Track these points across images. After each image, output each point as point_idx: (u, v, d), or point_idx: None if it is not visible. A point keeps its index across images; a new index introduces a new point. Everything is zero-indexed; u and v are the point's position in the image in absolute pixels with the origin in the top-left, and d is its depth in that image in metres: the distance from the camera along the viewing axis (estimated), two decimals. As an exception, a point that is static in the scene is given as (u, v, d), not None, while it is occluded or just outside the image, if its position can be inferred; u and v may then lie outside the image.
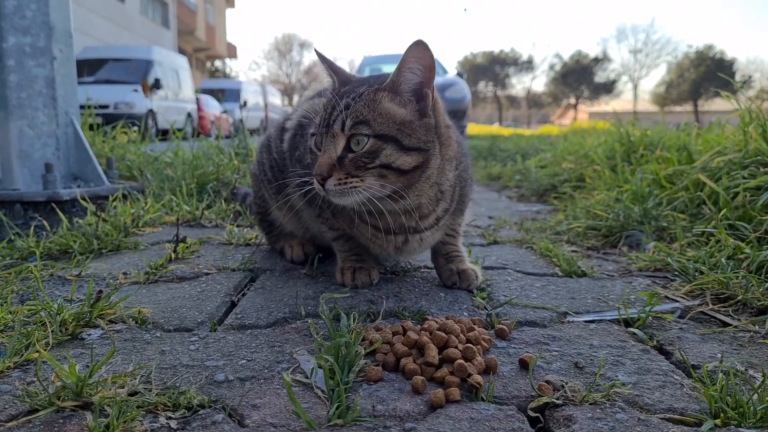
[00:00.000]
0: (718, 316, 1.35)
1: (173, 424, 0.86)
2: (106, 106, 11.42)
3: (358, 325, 1.18)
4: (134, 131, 3.82)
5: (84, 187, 2.62)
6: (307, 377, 1.01)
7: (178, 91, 15.77)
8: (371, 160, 1.26)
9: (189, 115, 15.92)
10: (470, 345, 1.07)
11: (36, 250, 1.73)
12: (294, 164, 1.58)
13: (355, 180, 1.25)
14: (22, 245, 1.84)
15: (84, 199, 2.22)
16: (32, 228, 1.97)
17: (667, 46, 56.10)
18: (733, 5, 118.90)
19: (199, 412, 0.89)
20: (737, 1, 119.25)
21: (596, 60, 51.87)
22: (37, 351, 1.05)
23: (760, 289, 1.41)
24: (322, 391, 0.96)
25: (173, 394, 0.92)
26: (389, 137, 1.27)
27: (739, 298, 1.39)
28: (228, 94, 22.44)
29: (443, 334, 1.09)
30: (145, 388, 0.94)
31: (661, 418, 0.88)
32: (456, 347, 1.07)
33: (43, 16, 2.58)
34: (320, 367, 1.01)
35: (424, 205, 1.39)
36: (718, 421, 0.86)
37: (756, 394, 0.90)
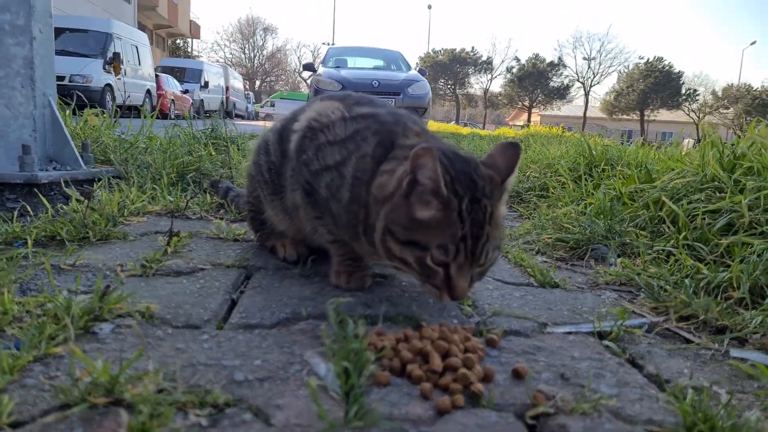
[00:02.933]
0: (681, 333, 1.49)
1: (203, 422, 0.91)
2: (61, 78, 10.91)
3: (362, 330, 1.25)
4: (105, 114, 3.72)
5: (61, 170, 2.57)
6: (320, 379, 1.08)
7: (138, 68, 15.25)
8: (491, 267, 1.38)
9: (148, 92, 15.45)
10: (469, 354, 1.17)
11: (27, 237, 1.71)
12: (300, 166, 1.61)
13: (476, 285, 1.39)
14: (7, 230, 1.81)
15: (66, 183, 2.19)
16: (15, 212, 1.93)
17: (620, 56, 58.38)
18: (684, 22, 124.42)
19: (226, 411, 0.95)
20: (688, 17, 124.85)
21: (552, 65, 53.29)
22: (57, 345, 1.08)
23: (718, 309, 1.57)
24: (337, 394, 1.03)
25: (200, 392, 0.97)
26: (501, 244, 1.38)
27: (700, 317, 1.54)
28: (189, 74, 21.88)
29: (445, 344, 1.18)
30: (171, 386, 0.98)
31: (644, 429, 1.00)
32: (457, 356, 1.16)
33: (23, -8, 2.49)
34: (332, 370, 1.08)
35: None
36: (692, 433, 0.98)
37: (724, 410, 1.03)
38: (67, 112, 3.39)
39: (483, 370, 1.14)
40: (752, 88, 48.63)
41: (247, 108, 31.78)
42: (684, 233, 2.11)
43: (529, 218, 3.19)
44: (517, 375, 1.16)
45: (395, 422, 0.95)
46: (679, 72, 48.91)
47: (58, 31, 12.99)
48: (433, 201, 1.26)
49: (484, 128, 35.45)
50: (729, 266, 1.78)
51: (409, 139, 1.48)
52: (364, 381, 1.06)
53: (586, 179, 3.34)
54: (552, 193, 3.48)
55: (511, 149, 1.37)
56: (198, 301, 1.44)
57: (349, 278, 1.61)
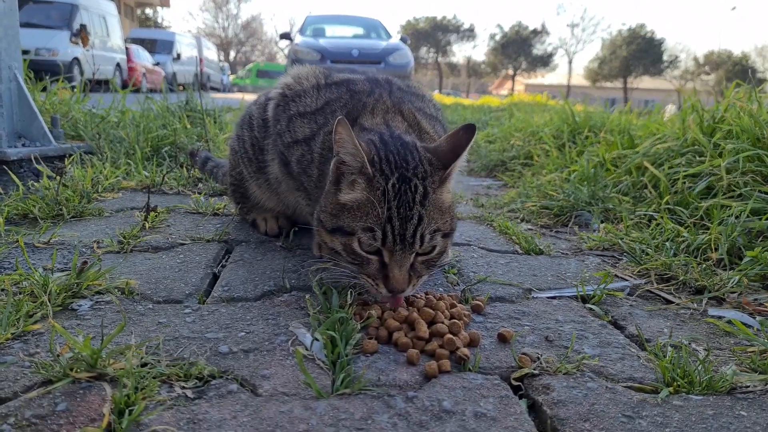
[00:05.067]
0: (662, 294, 1.52)
1: (189, 393, 0.90)
2: (26, 52, 10.49)
3: (348, 300, 1.25)
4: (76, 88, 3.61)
5: (30, 147, 2.49)
6: (306, 349, 1.07)
7: (106, 40, 14.73)
8: (439, 258, 1.24)
9: (118, 65, 15.00)
10: (455, 320, 1.17)
11: (-2, 215, 1.66)
12: (276, 136, 1.58)
13: (423, 278, 1.23)
14: (-24, 208, 1.76)
15: (37, 160, 2.12)
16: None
17: (602, 22, 58.15)
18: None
19: (212, 383, 0.94)
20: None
21: (535, 32, 52.92)
22: (35, 322, 1.06)
23: (698, 270, 1.59)
24: (323, 362, 1.03)
25: (184, 365, 0.96)
26: (450, 232, 1.25)
27: (680, 278, 1.56)
28: (160, 46, 21.29)
29: (431, 311, 1.18)
30: (155, 360, 0.97)
31: (625, 386, 1.01)
32: (443, 323, 1.16)
33: (-17, -41, 2.37)
34: (318, 339, 1.08)
35: None
36: (671, 389, 1.00)
37: (701, 366, 1.05)
38: (38, 83, 3.28)
39: (469, 336, 1.14)
40: (732, 54, 48.97)
41: (222, 80, 31.13)
42: (665, 197, 2.13)
43: (513, 187, 3.19)
44: (503, 339, 1.17)
45: (382, 388, 0.96)
46: (661, 39, 48.95)
47: (21, 2, 12.44)
48: (359, 181, 1.18)
49: (467, 97, 35.23)
50: (708, 229, 1.80)
51: (375, 117, 1.40)
52: (350, 350, 1.06)
53: (569, 146, 3.35)
54: (536, 161, 3.49)
55: (463, 132, 1.25)
56: (179, 275, 1.42)
57: (331, 250, 1.59)
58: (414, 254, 1.19)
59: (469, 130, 1.25)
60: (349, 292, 1.31)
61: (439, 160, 1.24)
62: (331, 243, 1.24)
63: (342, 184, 1.21)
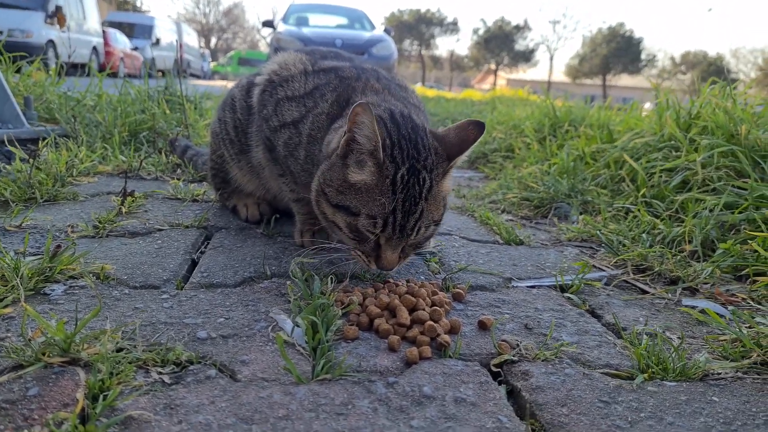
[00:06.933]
0: (638, 284, 1.54)
1: (166, 378, 0.89)
2: (-3, 33, 10.18)
3: (329, 287, 1.24)
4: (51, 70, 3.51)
5: (1, 129, 2.42)
6: (286, 335, 1.07)
7: (82, 22, 14.28)
8: (426, 241, 1.30)
9: (95, 49, 14.60)
10: (436, 308, 1.18)
11: (-32, 197, 1.61)
12: (261, 121, 1.56)
13: (410, 257, 1.30)
14: (-55, 191, 1.70)
15: (10, 142, 2.06)
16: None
17: (583, 20, 58.75)
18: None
19: (190, 368, 0.93)
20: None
21: (518, 28, 53.17)
22: (6, 306, 1.03)
23: (672, 261, 1.62)
24: (304, 349, 1.02)
25: (161, 350, 0.95)
26: (440, 219, 1.29)
27: (655, 269, 1.59)
28: (139, 30, 20.82)
29: (412, 298, 1.19)
30: (131, 345, 0.95)
31: (602, 373, 1.03)
32: (424, 310, 1.16)
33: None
34: (298, 326, 1.07)
35: None
36: (646, 376, 1.02)
37: (675, 353, 1.07)
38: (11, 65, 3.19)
39: (450, 323, 1.15)
40: (708, 54, 49.92)
41: (202, 67, 30.61)
42: (642, 191, 2.16)
43: (494, 179, 3.21)
44: (483, 326, 1.18)
45: (363, 373, 0.95)
46: (639, 38, 49.62)
47: (-7, -19, 12.05)
48: (368, 163, 1.18)
49: (450, 91, 35.27)
50: (683, 221, 1.84)
51: (367, 96, 1.41)
52: (331, 336, 1.06)
53: (550, 140, 3.37)
54: (517, 153, 3.51)
55: (473, 127, 1.27)
56: (156, 261, 1.39)
57: (313, 237, 1.58)
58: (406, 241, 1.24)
59: (479, 126, 1.27)
60: (330, 279, 1.30)
61: (444, 150, 1.26)
62: (332, 217, 1.26)
63: (349, 159, 1.22)
